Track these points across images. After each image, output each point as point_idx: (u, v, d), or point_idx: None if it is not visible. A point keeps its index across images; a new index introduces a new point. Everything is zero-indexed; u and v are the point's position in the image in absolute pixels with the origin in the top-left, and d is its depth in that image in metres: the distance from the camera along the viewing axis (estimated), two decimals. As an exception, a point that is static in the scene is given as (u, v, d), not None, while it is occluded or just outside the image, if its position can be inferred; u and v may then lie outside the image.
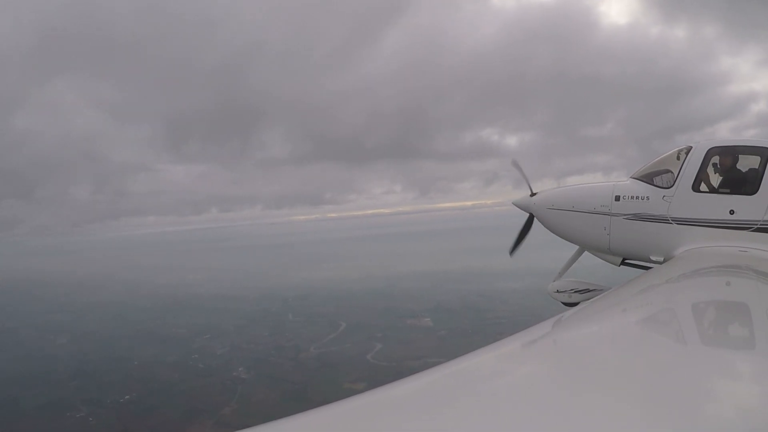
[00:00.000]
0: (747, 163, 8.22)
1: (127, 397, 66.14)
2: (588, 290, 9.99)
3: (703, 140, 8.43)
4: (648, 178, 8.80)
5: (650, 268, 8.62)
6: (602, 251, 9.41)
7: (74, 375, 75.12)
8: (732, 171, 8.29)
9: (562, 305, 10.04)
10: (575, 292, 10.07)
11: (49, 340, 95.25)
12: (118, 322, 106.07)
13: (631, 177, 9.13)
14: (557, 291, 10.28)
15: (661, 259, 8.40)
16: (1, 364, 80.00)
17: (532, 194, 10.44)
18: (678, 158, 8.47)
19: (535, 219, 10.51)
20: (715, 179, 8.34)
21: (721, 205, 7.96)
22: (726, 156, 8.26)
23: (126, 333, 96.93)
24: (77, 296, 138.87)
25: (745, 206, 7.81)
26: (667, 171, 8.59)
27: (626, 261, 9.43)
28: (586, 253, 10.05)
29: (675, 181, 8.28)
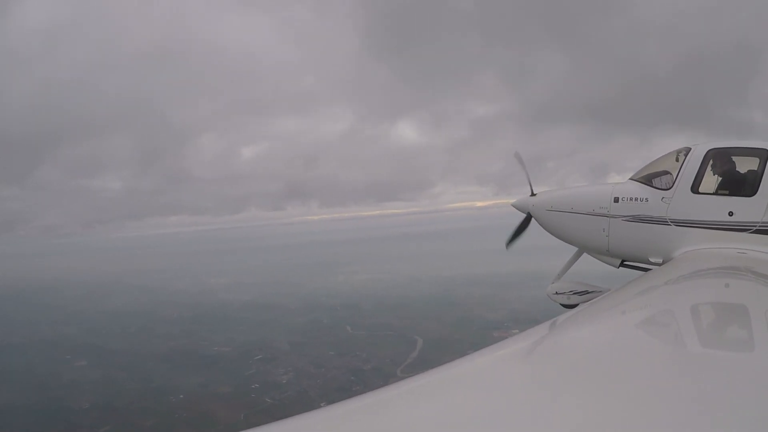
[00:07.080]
0: (746, 165, 8.25)
1: (184, 455, 49.23)
2: (587, 292, 10.01)
3: (701, 142, 8.60)
4: (647, 179, 8.81)
5: (649, 269, 8.72)
6: (601, 253, 9.47)
7: (104, 417, 58.33)
8: (731, 172, 8.34)
9: (561, 307, 10.07)
10: (574, 293, 10.09)
11: (65, 363, 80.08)
12: (143, 337, 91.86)
13: (630, 178, 9.20)
14: (556, 293, 10.28)
15: (660, 260, 8.48)
16: (8, 398, 62.99)
17: (533, 194, 10.39)
18: (677, 160, 8.52)
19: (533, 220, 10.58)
20: (714, 181, 8.33)
21: (720, 207, 8.00)
22: (725, 157, 8.30)
23: (157, 352, 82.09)
24: (90, 304, 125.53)
25: (744, 208, 7.86)
26: (666, 172, 8.63)
27: (625, 263, 9.44)
28: (585, 254, 10.13)
29: (674, 183, 8.33)
